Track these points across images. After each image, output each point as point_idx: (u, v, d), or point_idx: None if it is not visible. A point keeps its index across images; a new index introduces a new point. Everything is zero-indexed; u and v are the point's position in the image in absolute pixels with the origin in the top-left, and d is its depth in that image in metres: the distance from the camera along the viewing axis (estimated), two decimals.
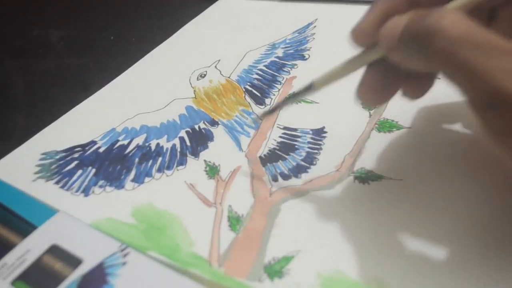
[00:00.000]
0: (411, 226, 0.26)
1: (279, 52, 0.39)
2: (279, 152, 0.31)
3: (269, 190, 0.28)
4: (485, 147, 0.30)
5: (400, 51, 0.21)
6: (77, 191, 0.29)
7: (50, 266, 0.24)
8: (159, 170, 0.30)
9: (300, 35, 0.41)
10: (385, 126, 0.32)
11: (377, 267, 0.24)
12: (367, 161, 0.29)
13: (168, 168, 0.30)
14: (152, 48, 0.41)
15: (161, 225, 0.27)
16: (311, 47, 0.39)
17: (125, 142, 0.32)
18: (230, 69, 0.38)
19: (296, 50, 0.39)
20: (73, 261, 0.24)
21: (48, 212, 0.27)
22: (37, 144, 0.33)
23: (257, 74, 0.37)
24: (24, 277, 0.24)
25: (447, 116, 0.32)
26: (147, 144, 0.32)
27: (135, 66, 0.39)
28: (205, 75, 0.38)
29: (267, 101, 0.35)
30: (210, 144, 0.32)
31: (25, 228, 0.27)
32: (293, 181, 0.29)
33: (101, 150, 0.32)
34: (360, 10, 0.46)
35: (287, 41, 0.41)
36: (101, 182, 0.30)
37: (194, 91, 0.36)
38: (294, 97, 0.25)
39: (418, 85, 0.25)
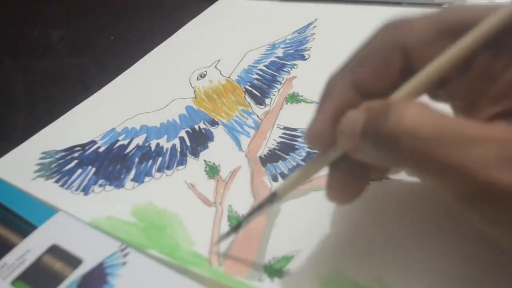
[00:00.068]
0: (411, 226, 0.26)
1: (279, 52, 0.39)
2: (279, 152, 0.31)
3: (269, 190, 0.28)
4: None
5: (362, 151, 0.19)
6: (76, 189, 0.29)
7: (50, 266, 0.24)
8: (159, 169, 0.30)
9: (300, 35, 0.41)
10: None
11: (377, 267, 0.24)
12: None
13: (168, 168, 0.30)
14: (152, 48, 0.41)
15: (161, 224, 0.27)
16: (311, 47, 0.39)
17: (125, 142, 0.32)
18: (230, 69, 0.38)
19: (296, 50, 0.39)
20: (73, 261, 0.24)
21: (48, 212, 0.27)
22: (37, 143, 0.33)
23: (257, 74, 0.37)
24: (24, 277, 0.24)
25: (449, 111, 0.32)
26: (147, 144, 0.32)
27: (135, 66, 0.40)
28: (205, 75, 0.38)
29: (267, 101, 0.35)
30: (210, 144, 0.32)
31: (25, 228, 0.27)
32: None
33: (101, 149, 0.32)
34: (360, 10, 0.46)
35: (287, 41, 0.41)
36: (101, 181, 0.30)
37: (194, 91, 0.36)
38: (258, 210, 0.23)
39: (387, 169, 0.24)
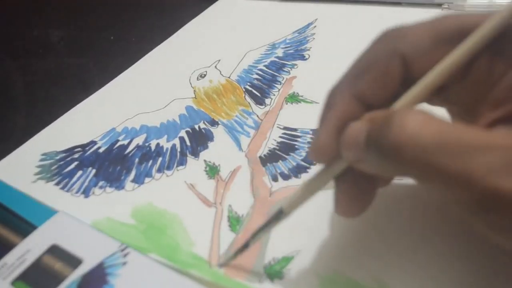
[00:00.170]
0: (411, 226, 0.26)
1: (279, 52, 0.39)
2: (279, 152, 0.31)
3: (269, 190, 0.28)
4: None
5: (367, 162, 0.19)
6: (77, 192, 0.29)
7: (50, 266, 0.24)
8: (159, 170, 0.30)
9: (300, 35, 0.41)
10: None
11: (377, 267, 0.24)
12: None
13: (168, 168, 0.30)
14: (152, 48, 0.41)
15: (161, 225, 0.27)
16: (311, 47, 0.39)
17: (125, 142, 0.32)
18: (230, 69, 0.38)
19: (296, 50, 0.39)
20: (73, 261, 0.24)
21: (48, 212, 0.27)
22: (37, 145, 0.33)
23: (257, 74, 0.37)
24: (24, 277, 0.24)
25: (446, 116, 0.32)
26: (147, 144, 0.32)
27: (135, 66, 0.39)
28: (205, 75, 0.38)
29: (267, 101, 0.35)
30: (210, 144, 0.32)
31: (25, 228, 0.27)
32: (293, 181, 0.29)
33: (101, 150, 0.32)
34: (360, 10, 0.46)
35: (287, 41, 0.41)
36: (101, 183, 0.30)
37: (194, 91, 0.36)
38: (265, 228, 0.23)
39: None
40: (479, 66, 0.19)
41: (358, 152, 0.19)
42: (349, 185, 0.21)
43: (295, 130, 0.32)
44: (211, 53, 0.40)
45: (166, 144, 0.32)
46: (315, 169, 0.29)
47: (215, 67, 0.38)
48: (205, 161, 0.30)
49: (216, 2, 0.47)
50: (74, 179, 0.30)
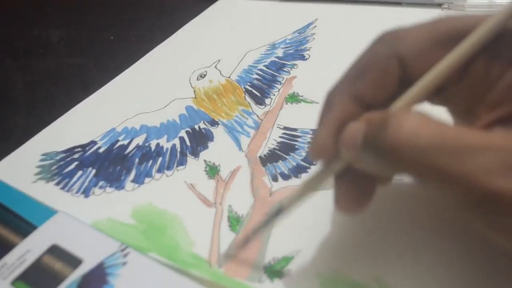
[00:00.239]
0: (411, 226, 0.26)
1: (279, 52, 0.39)
2: (279, 152, 0.31)
3: (269, 190, 0.28)
4: None
5: (364, 162, 0.19)
6: (77, 192, 0.29)
7: (50, 266, 0.24)
8: (159, 170, 0.30)
9: (300, 35, 0.41)
10: None
11: (377, 267, 0.24)
12: None
13: (168, 168, 0.30)
14: (152, 48, 0.41)
15: (161, 225, 0.27)
16: (311, 47, 0.39)
17: (125, 142, 0.32)
18: (230, 69, 0.38)
19: (296, 50, 0.39)
20: (73, 261, 0.24)
21: (48, 212, 0.27)
22: (37, 145, 0.33)
23: (257, 74, 0.37)
24: (24, 277, 0.24)
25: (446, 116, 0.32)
26: (147, 144, 0.32)
27: (135, 66, 0.39)
28: (205, 75, 0.38)
29: (267, 101, 0.35)
30: (210, 144, 0.32)
31: (25, 228, 0.27)
32: (293, 181, 0.29)
33: (101, 150, 0.32)
34: (360, 10, 0.46)
35: (287, 41, 0.41)
36: (101, 183, 0.30)
37: (194, 91, 0.36)
38: (264, 225, 0.23)
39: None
40: (476, 68, 0.19)
41: (356, 152, 0.19)
42: (348, 183, 0.21)
43: (295, 130, 0.32)
44: (211, 53, 0.40)
45: (166, 144, 0.32)
46: (315, 169, 0.29)
47: (215, 67, 0.38)
48: (205, 161, 0.30)
49: (216, 2, 0.47)
50: (74, 179, 0.30)
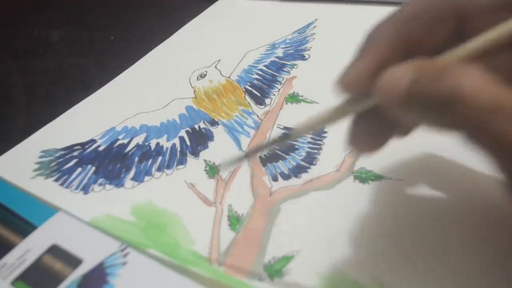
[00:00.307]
0: (411, 226, 0.26)
1: (279, 52, 0.39)
2: (279, 152, 0.31)
3: (269, 190, 0.28)
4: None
5: (404, 110, 0.18)
6: (76, 188, 0.29)
7: (50, 266, 0.24)
8: (159, 169, 0.30)
9: (300, 35, 0.41)
10: None
11: (377, 267, 0.24)
12: (367, 161, 0.29)
13: (168, 167, 0.30)
14: (152, 48, 0.41)
15: (161, 223, 0.27)
16: (311, 47, 0.39)
17: (125, 141, 0.32)
18: (230, 69, 0.38)
19: (296, 50, 0.39)
20: (73, 261, 0.24)
21: (48, 212, 0.27)
22: (37, 142, 0.33)
23: (257, 74, 0.37)
24: (24, 277, 0.24)
25: None
26: (147, 143, 0.32)
27: (135, 66, 0.39)
28: (205, 75, 0.38)
29: (267, 101, 0.35)
30: (210, 144, 0.32)
31: (25, 228, 0.27)
32: (293, 181, 0.29)
33: (100, 148, 0.32)
34: (360, 10, 0.46)
35: (287, 41, 0.41)
36: (100, 180, 0.30)
37: (194, 91, 0.36)
38: (269, 145, 0.22)
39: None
40: None
41: (394, 98, 0.18)
42: (367, 124, 0.20)
43: None
44: (211, 53, 0.40)
45: (166, 144, 0.32)
46: (315, 169, 0.29)
47: (215, 67, 0.38)
48: (205, 160, 0.30)
49: (216, 2, 0.47)
50: (74, 175, 0.30)
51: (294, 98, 0.35)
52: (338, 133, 0.31)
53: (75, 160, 0.31)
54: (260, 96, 0.35)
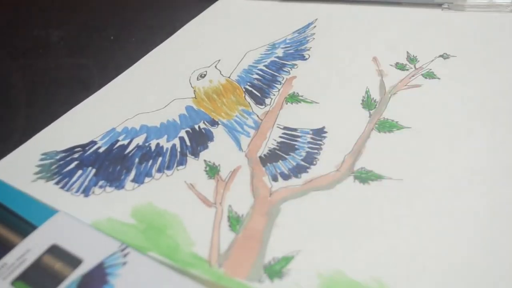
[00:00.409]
0: (411, 226, 0.26)
1: (279, 52, 0.39)
2: (279, 152, 0.31)
3: (269, 190, 0.28)
4: (485, 147, 0.30)
5: None
6: (77, 191, 0.29)
7: (50, 266, 0.24)
8: (159, 170, 0.30)
9: (300, 35, 0.41)
10: (385, 126, 0.32)
11: (377, 267, 0.24)
12: (367, 161, 0.29)
13: (168, 168, 0.30)
14: (152, 48, 0.41)
15: (161, 225, 0.27)
16: (311, 47, 0.39)
17: (125, 142, 0.32)
18: (230, 69, 0.38)
19: (296, 50, 0.39)
20: (73, 261, 0.24)
21: (48, 212, 0.27)
22: (37, 144, 0.33)
23: (257, 74, 0.37)
24: (24, 277, 0.24)
25: (447, 115, 0.32)
26: (147, 144, 0.32)
27: (135, 66, 0.39)
28: (205, 75, 0.38)
29: (267, 101, 0.35)
30: (210, 144, 0.32)
31: (25, 228, 0.27)
32: (293, 181, 0.29)
33: (101, 150, 0.32)
34: (360, 10, 0.46)
35: (287, 41, 0.41)
36: (101, 183, 0.30)
37: (194, 91, 0.36)
38: None
39: None
40: None
41: None
42: None
43: (295, 130, 0.32)
44: (211, 53, 0.40)
45: (166, 144, 0.32)
46: (315, 169, 0.29)
47: (215, 67, 0.38)
48: (205, 161, 0.30)
49: (216, 2, 0.47)
50: (74, 178, 0.30)
51: (294, 98, 0.35)
52: (338, 133, 0.31)
53: (75, 163, 0.31)
54: (260, 96, 0.35)
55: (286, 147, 0.31)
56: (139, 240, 0.26)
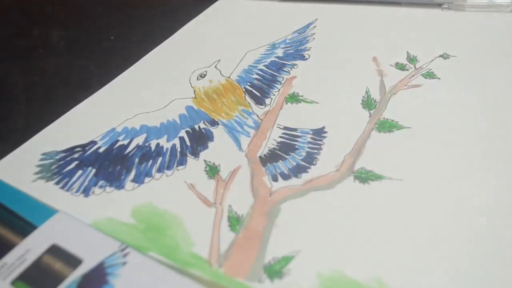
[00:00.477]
0: (411, 226, 0.26)
1: (279, 52, 0.39)
2: (279, 152, 0.31)
3: (269, 190, 0.28)
4: (485, 147, 0.30)
5: None
6: (77, 191, 0.29)
7: (50, 266, 0.24)
8: (159, 170, 0.30)
9: (300, 35, 0.41)
10: (385, 126, 0.32)
11: (377, 267, 0.24)
12: (367, 161, 0.29)
13: (168, 168, 0.30)
14: (152, 48, 0.41)
15: (161, 225, 0.27)
16: (311, 47, 0.39)
17: (125, 142, 0.32)
18: (230, 69, 0.38)
19: (296, 50, 0.39)
20: (73, 261, 0.24)
21: (48, 212, 0.27)
22: (37, 144, 0.33)
23: (257, 74, 0.37)
24: (24, 277, 0.24)
25: (447, 115, 0.32)
26: (147, 144, 0.32)
27: (135, 66, 0.39)
28: (205, 75, 0.38)
29: (267, 101, 0.35)
30: (210, 144, 0.32)
31: (25, 228, 0.27)
32: (293, 181, 0.29)
33: (101, 150, 0.32)
34: (360, 10, 0.46)
35: (287, 41, 0.41)
36: (101, 183, 0.30)
37: (194, 91, 0.36)
38: None
39: None
40: None
41: None
42: None
43: (295, 130, 0.32)
44: (211, 53, 0.40)
45: (166, 144, 0.32)
46: (315, 169, 0.29)
47: (215, 67, 0.38)
48: (205, 161, 0.30)
49: (216, 2, 0.47)
50: (74, 178, 0.30)
51: (294, 98, 0.35)
52: (338, 133, 0.31)
53: (75, 163, 0.31)
54: (260, 96, 0.35)
55: (286, 147, 0.31)
56: (139, 240, 0.26)
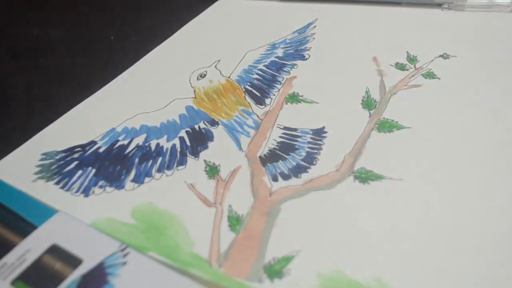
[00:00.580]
0: (411, 226, 0.26)
1: (279, 52, 0.39)
2: (279, 152, 0.31)
3: (269, 190, 0.28)
4: (485, 147, 0.30)
5: None
6: (77, 191, 0.29)
7: (50, 266, 0.24)
8: (159, 170, 0.30)
9: (300, 35, 0.41)
10: (385, 126, 0.32)
11: (377, 267, 0.24)
12: (367, 161, 0.29)
13: (168, 168, 0.30)
14: (152, 48, 0.41)
15: (161, 225, 0.27)
16: (311, 47, 0.39)
17: (125, 142, 0.32)
18: (230, 69, 0.38)
19: (296, 50, 0.39)
20: (73, 261, 0.24)
21: (48, 212, 0.27)
22: (37, 144, 0.33)
23: (257, 74, 0.37)
24: (24, 277, 0.24)
25: (447, 115, 0.32)
26: (147, 144, 0.32)
27: (135, 66, 0.39)
28: (205, 75, 0.38)
29: (267, 101, 0.35)
30: (210, 144, 0.32)
31: (25, 228, 0.27)
32: (293, 181, 0.29)
33: (101, 150, 0.32)
34: (360, 10, 0.46)
35: (287, 41, 0.41)
36: (101, 183, 0.30)
37: (194, 91, 0.36)
38: None
39: None
40: None
41: None
42: None
43: (295, 130, 0.32)
44: (211, 53, 0.40)
45: (166, 144, 0.32)
46: (315, 169, 0.29)
47: (215, 67, 0.38)
48: (205, 161, 0.30)
49: (216, 2, 0.47)
50: (74, 178, 0.30)
51: (294, 98, 0.35)
52: (338, 133, 0.31)
53: (75, 163, 0.31)
54: (260, 96, 0.35)
55: (286, 147, 0.31)
56: (139, 240, 0.26)
